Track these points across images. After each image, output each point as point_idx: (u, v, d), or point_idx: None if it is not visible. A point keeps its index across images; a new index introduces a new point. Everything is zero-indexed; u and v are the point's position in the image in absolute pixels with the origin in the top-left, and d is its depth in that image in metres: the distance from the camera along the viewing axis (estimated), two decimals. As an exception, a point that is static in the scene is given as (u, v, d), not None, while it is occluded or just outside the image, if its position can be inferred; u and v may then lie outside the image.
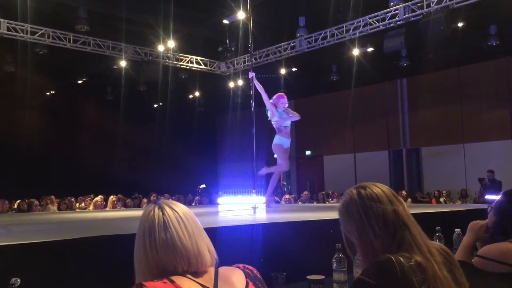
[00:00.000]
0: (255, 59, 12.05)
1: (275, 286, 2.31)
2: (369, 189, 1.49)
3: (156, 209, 1.38)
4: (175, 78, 13.66)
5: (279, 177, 6.47)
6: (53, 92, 15.26)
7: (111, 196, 9.64)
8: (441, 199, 12.09)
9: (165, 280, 1.27)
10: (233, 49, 12.10)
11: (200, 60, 13.18)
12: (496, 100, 12.77)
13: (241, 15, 9.31)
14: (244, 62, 12.98)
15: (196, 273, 1.34)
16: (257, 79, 6.43)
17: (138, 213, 1.60)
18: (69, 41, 10.81)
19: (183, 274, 1.32)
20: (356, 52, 11.74)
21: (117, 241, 2.52)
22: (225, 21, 10.57)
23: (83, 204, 10.16)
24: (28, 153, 13.20)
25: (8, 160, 12.53)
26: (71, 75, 14.13)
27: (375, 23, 10.10)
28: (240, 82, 13.83)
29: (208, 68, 13.42)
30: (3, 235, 3.37)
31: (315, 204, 11.02)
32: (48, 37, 10.52)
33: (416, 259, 1.35)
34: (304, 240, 3.27)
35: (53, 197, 10.30)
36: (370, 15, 10.10)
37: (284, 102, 6.18)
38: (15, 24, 9.99)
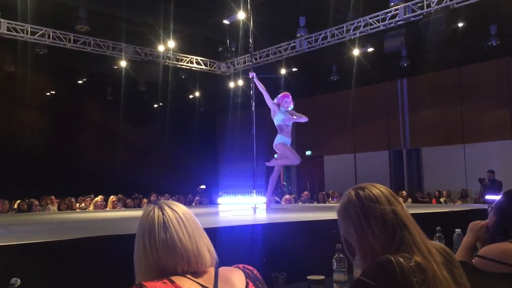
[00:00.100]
0: (255, 59, 12.05)
1: (275, 286, 2.31)
2: (368, 190, 1.49)
3: (156, 210, 1.38)
4: (175, 78, 13.66)
5: (278, 176, 6.46)
6: (53, 92, 15.27)
7: (111, 196, 9.64)
8: (441, 199, 12.09)
9: (165, 280, 1.26)
10: (233, 49, 12.11)
11: (200, 60, 13.18)
12: (496, 100, 12.77)
13: (241, 15, 9.31)
14: (244, 62, 12.98)
15: (196, 273, 1.34)
16: (258, 79, 6.42)
17: (138, 213, 1.60)
18: (69, 41, 10.81)
19: (183, 274, 1.32)
20: (356, 52, 11.75)
21: (117, 241, 2.52)
22: (225, 21, 10.57)
23: (83, 204, 10.16)
24: (28, 153, 13.21)
25: (8, 160, 12.54)
26: (71, 75, 14.14)
27: (375, 23, 10.11)
28: (240, 82, 13.83)
29: (208, 68, 13.43)
30: (3, 235, 3.37)
31: (315, 204, 11.03)
32: (48, 37, 10.53)
33: (415, 260, 1.35)
34: (305, 240, 3.27)
35: (53, 197, 10.30)
36: (370, 15, 10.10)
37: (288, 101, 6.15)
38: (15, 24, 9.99)
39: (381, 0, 9.81)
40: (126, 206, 10.05)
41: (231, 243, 2.78)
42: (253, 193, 6.27)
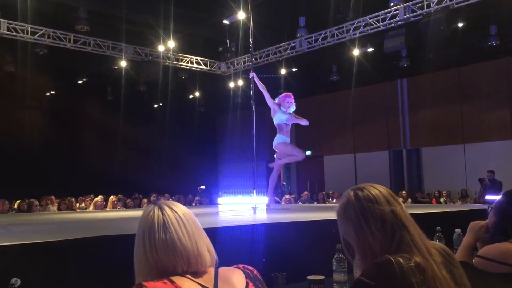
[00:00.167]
0: (255, 59, 12.05)
1: (275, 286, 2.31)
2: (366, 191, 1.49)
3: (156, 210, 1.38)
4: (175, 78, 13.66)
5: (278, 176, 6.46)
6: (53, 92, 15.27)
7: (111, 196, 9.65)
8: (441, 199, 12.09)
9: (165, 281, 1.27)
10: (233, 49, 12.10)
11: (200, 60, 13.18)
12: (496, 100, 12.77)
13: (241, 15, 9.31)
14: (244, 62, 12.98)
15: (196, 274, 1.34)
16: (258, 79, 6.42)
17: (138, 213, 1.60)
18: (69, 41, 10.81)
19: (183, 274, 1.32)
20: (356, 52, 11.75)
21: (117, 241, 2.52)
22: (225, 21, 10.57)
23: (83, 204, 10.16)
24: (28, 153, 13.21)
25: (8, 160, 12.53)
26: (71, 75, 14.14)
27: (375, 23, 10.11)
28: (240, 82, 13.83)
29: (208, 68, 13.43)
30: (3, 235, 3.37)
31: (315, 204, 11.03)
32: (48, 37, 10.53)
33: (415, 260, 1.35)
34: (305, 240, 3.27)
35: (53, 197, 10.30)
36: (370, 15, 10.10)
37: (289, 102, 6.15)
38: (15, 24, 9.99)
39: (381, 0, 9.81)
40: (126, 206, 10.06)
41: (231, 243, 2.78)
42: (253, 193, 6.26)
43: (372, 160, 14.84)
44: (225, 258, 1.49)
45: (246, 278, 1.40)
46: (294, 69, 13.75)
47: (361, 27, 10.33)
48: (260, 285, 1.42)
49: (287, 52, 11.95)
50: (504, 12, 9.99)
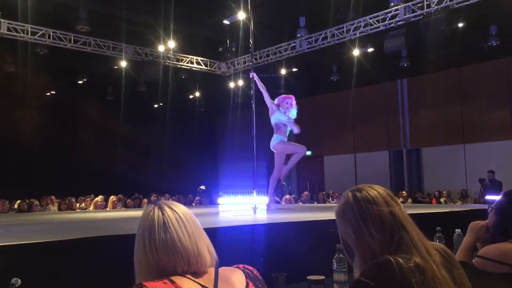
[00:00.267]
0: (256, 59, 12.05)
1: (275, 286, 2.31)
2: (365, 192, 1.48)
3: (156, 210, 1.38)
4: (175, 78, 13.66)
5: (278, 176, 6.44)
6: (54, 92, 15.27)
7: (112, 196, 9.65)
8: (442, 200, 12.09)
9: (165, 281, 1.27)
10: (233, 49, 12.11)
11: (201, 60, 13.18)
12: (496, 100, 12.77)
13: (241, 15, 9.32)
14: (245, 62, 12.98)
15: (196, 274, 1.34)
16: (258, 78, 6.41)
17: (138, 213, 1.60)
18: (70, 41, 10.81)
19: (183, 274, 1.32)
20: (356, 52, 11.75)
21: (117, 241, 2.52)
22: (226, 21, 10.58)
23: (83, 204, 10.17)
24: (28, 153, 13.21)
25: (8, 160, 12.53)
26: (71, 76, 14.14)
27: (376, 23, 10.11)
28: (241, 82, 13.83)
29: (208, 68, 13.43)
30: (4, 235, 3.37)
31: (315, 204, 11.03)
32: (49, 37, 10.53)
33: (414, 260, 1.35)
34: (305, 240, 3.27)
35: (53, 197, 10.30)
36: (370, 16, 10.10)
37: (289, 103, 6.12)
38: (16, 25, 9.99)
39: (381, 0, 9.81)
40: (126, 206, 10.06)
41: (231, 243, 2.78)
42: (253, 193, 6.26)
43: (372, 160, 14.85)
44: (225, 258, 1.49)
45: (246, 278, 1.40)
46: (294, 69, 13.75)
47: (361, 27, 10.33)
48: (260, 285, 1.42)
49: (287, 52, 11.95)
50: (504, 12, 9.99)
